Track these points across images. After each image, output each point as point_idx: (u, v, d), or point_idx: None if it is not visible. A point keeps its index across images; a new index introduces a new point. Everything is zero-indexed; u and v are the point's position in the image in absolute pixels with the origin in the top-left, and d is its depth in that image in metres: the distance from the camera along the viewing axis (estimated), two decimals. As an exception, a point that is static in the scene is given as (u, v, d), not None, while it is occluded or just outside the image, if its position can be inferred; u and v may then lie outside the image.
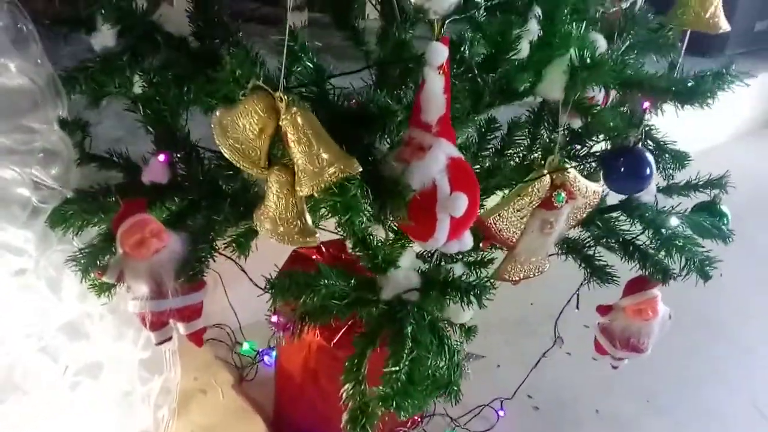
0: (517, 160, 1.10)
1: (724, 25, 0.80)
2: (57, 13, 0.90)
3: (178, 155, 0.83)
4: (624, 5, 0.90)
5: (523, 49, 0.87)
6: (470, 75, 0.87)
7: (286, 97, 0.63)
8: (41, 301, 0.78)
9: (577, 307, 1.08)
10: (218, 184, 0.85)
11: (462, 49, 0.84)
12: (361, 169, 0.62)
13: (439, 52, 0.65)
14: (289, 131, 0.63)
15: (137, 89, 0.81)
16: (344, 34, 0.98)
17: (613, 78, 0.70)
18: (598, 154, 0.87)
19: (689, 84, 0.71)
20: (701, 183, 1.01)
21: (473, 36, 0.86)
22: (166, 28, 0.92)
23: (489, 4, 0.82)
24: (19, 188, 0.70)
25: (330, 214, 0.63)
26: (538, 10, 0.80)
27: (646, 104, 0.76)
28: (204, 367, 1.23)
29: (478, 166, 1.12)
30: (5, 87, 0.68)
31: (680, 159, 1.11)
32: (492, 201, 1.07)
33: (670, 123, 2.46)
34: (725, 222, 0.97)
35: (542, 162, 0.86)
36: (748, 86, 0.84)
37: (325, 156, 0.62)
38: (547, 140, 1.01)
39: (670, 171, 1.10)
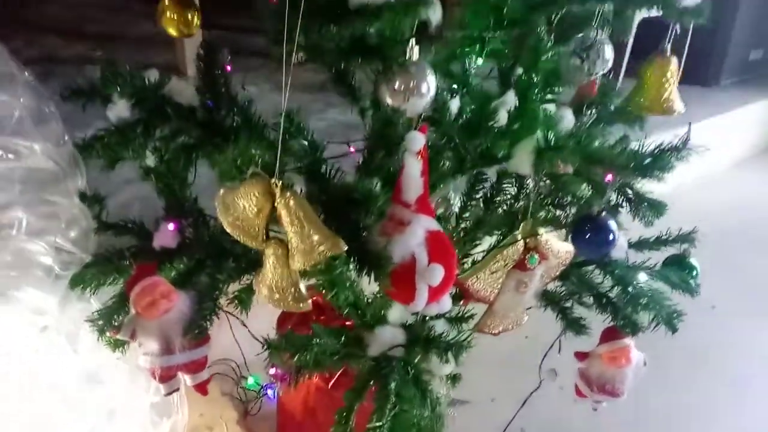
0: (504, 207, 1.18)
1: (679, 108, 0.87)
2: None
3: (186, 220, 0.91)
4: (597, 77, 0.98)
5: (502, 118, 0.95)
6: (452, 144, 0.96)
7: (280, 183, 0.71)
8: (61, 355, 0.86)
9: (559, 352, 1.15)
10: (222, 245, 0.94)
11: (444, 121, 0.92)
12: (346, 248, 0.69)
13: (417, 141, 0.73)
14: (283, 213, 0.71)
15: (150, 162, 0.90)
16: (340, 91, 1.06)
17: (576, 157, 0.78)
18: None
19: (647, 161, 0.78)
20: (671, 238, 1.08)
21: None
22: (177, 99, 1.01)
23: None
24: (43, 257, 0.78)
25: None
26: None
27: (609, 177, 0.83)
28: (210, 403, 1.31)
29: (468, 214, 1.20)
30: (31, 168, 0.77)
31: (658, 208, 1.18)
32: (482, 247, 1.15)
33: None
34: (694, 275, 1.03)
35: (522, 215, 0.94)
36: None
37: (314, 237, 0.70)
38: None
39: (649, 219, 1.18)
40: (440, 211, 1.23)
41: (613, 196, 1.14)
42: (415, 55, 0.66)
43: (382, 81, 0.66)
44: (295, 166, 0.82)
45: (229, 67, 0.99)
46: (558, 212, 0.99)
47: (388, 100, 0.67)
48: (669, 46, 0.84)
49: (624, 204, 1.18)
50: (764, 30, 2.96)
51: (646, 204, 1.17)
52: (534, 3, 0.87)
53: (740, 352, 1.76)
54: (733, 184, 2.69)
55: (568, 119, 0.86)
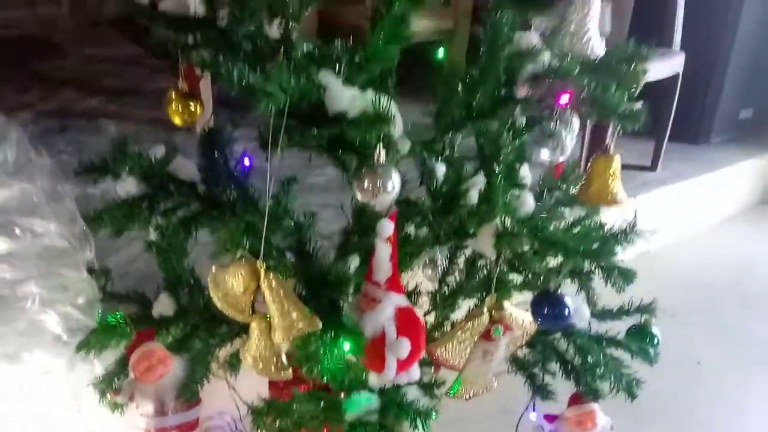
0: (484, 272, 1.26)
1: (623, 199, 0.95)
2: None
3: (183, 289, 1.00)
4: (562, 159, 1.07)
5: (473, 197, 1.05)
6: (427, 222, 1.05)
7: (264, 265, 0.80)
8: (66, 412, 0.95)
9: (533, 410, 1.21)
10: (214, 311, 1.02)
11: (419, 205, 1.02)
12: (321, 326, 0.78)
13: (386, 228, 0.82)
14: (267, 292, 0.80)
15: (153, 236, 0.99)
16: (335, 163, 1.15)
17: (531, 242, 0.86)
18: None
19: (595, 246, 0.86)
20: (632, 309, 1.16)
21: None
22: (180, 176, 1.12)
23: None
24: (53, 326, 0.87)
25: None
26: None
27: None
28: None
29: (450, 278, 1.29)
30: (46, 245, 0.87)
31: (628, 276, 1.26)
32: (461, 312, 1.23)
33: (664, 210, 2.59)
34: (655, 343, 1.11)
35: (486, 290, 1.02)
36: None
37: (294, 315, 0.78)
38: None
39: (620, 286, 1.26)
40: (428, 272, 1.32)
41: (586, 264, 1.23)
42: (382, 158, 0.75)
43: (353, 180, 0.76)
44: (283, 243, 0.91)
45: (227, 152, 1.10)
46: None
47: (359, 197, 0.76)
48: (612, 145, 0.93)
49: (595, 271, 1.26)
50: (754, 89, 3.06)
51: (616, 271, 1.26)
52: (499, 99, 0.97)
53: (726, 408, 1.80)
54: (722, 241, 2.75)
55: (528, 203, 0.95)
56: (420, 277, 1.32)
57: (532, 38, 0.85)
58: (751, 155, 2.96)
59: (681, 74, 2.49)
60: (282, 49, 0.86)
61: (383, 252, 0.82)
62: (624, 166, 2.68)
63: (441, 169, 1.18)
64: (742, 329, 2.16)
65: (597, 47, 0.76)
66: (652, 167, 2.67)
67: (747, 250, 2.69)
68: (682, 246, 2.64)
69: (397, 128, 0.72)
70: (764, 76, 3.09)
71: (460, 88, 0.98)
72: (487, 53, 0.88)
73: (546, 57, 0.78)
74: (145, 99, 2.93)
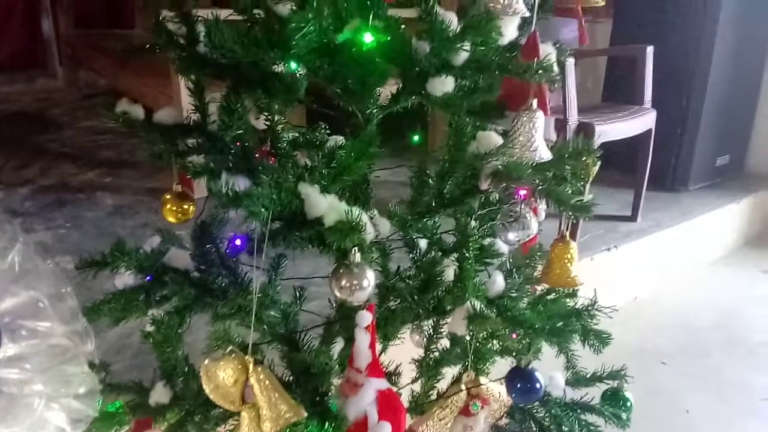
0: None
1: (580, 282, 1.03)
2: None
3: (178, 377, 1.06)
4: (528, 238, 1.15)
5: (449, 274, 1.13)
6: (407, 303, 1.12)
7: (252, 359, 0.87)
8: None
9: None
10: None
11: (398, 288, 1.09)
12: (306, 415, 0.84)
13: (365, 318, 0.89)
14: (255, 385, 0.86)
15: (149, 328, 1.06)
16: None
17: (500, 323, 0.93)
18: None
19: (558, 324, 0.93)
20: (605, 375, 1.22)
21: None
22: (174, 265, 1.19)
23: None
24: (57, 419, 0.93)
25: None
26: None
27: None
28: None
29: (434, 347, 1.35)
30: (50, 345, 0.93)
31: (603, 339, 1.33)
32: (446, 380, 1.29)
33: (648, 258, 2.65)
34: (628, 406, 1.17)
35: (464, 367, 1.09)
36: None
37: (281, 405, 0.85)
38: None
39: (597, 348, 1.32)
40: (415, 338, 1.38)
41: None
42: (357, 258, 0.83)
43: (331, 279, 0.83)
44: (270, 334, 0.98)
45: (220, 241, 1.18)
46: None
47: (337, 294, 0.84)
48: (568, 233, 1.01)
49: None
50: (728, 137, 3.18)
51: (592, 334, 1.33)
52: (466, 188, 1.06)
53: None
54: (707, 285, 2.82)
55: (498, 284, 1.02)
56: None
57: (493, 137, 0.94)
58: (730, 200, 3.06)
59: (653, 130, 2.60)
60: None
61: (363, 341, 0.89)
62: (605, 217, 2.78)
63: (422, 242, 1.26)
64: (728, 375, 2.21)
65: (544, 153, 0.85)
66: (633, 217, 2.76)
67: (730, 293, 2.76)
68: (668, 292, 2.71)
69: (370, 234, 0.80)
70: (738, 124, 3.22)
71: (432, 179, 1.07)
72: (453, 147, 0.97)
73: (503, 159, 0.87)
74: (140, 170, 3.03)
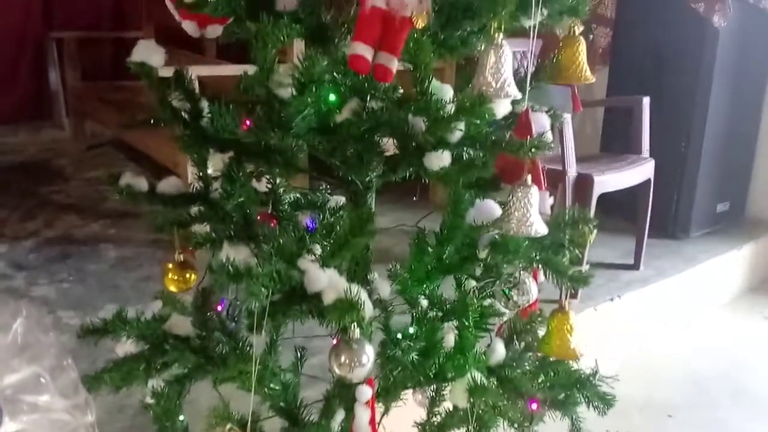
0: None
1: (581, 353, 1.03)
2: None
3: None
4: (528, 303, 1.16)
5: (449, 341, 1.13)
6: (408, 371, 1.12)
7: (251, 436, 0.87)
8: None
9: None
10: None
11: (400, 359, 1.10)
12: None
13: (365, 393, 0.89)
14: (254, 461, 0.86)
15: (148, 400, 1.06)
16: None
17: (500, 395, 0.93)
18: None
19: (561, 395, 0.93)
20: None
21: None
22: (175, 332, 1.19)
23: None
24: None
25: None
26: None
27: (534, 405, 0.98)
28: None
29: (436, 409, 1.34)
30: (52, 420, 0.93)
31: (607, 402, 1.32)
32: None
33: (651, 308, 2.64)
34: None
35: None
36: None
37: (280, 483, 0.84)
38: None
39: (601, 410, 1.31)
40: (418, 398, 1.37)
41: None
42: (357, 335, 0.84)
43: (331, 355, 0.84)
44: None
45: (220, 307, 1.19)
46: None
47: (336, 371, 0.84)
48: (567, 302, 1.02)
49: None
50: (728, 183, 3.19)
51: (596, 398, 1.32)
52: (465, 255, 1.07)
53: None
54: (711, 333, 2.80)
55: (499, 351, 1.03)
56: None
57: (490, 208, 0.95)
58: (732, 246, 3.06)
59: (652, 179, 2.62)
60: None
61: (362, 417, 0.89)
62: (607, 265, 2.78)
63: (424, 301, 1.26)
64: (736, 427, 2.18)
65: (540, 229, 0.86)
66: (635, 266, 2.76)
67: (736, 341, 2.74)
68: (672, 341, 2.69)
69: (369, 311, 0.81)
70: (737, 170, 3.24)
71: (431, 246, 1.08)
72: (451, 216, 0.99)
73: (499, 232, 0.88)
74: (143, 222, 3.05)
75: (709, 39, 2.82)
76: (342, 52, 0.90)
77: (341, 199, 1.30)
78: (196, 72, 2.58)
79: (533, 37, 0.81)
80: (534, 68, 1.09)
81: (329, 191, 1.36)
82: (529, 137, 0.81)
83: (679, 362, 2.57)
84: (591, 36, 3.26)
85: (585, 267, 0.91)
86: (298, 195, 1.35)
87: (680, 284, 2.77)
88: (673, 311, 2.77)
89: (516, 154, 0.81)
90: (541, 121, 1.08)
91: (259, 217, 1.29)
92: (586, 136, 3.41)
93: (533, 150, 0.79)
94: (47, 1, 4.17)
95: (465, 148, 0.84)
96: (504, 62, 0.80)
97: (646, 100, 2.62)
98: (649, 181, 2.62)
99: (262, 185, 1.27)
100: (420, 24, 0.80)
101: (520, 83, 1.02)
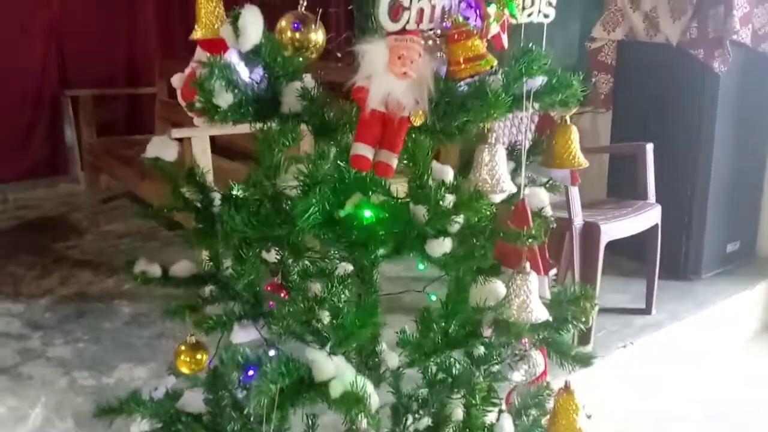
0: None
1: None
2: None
3: None
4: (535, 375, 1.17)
5: (458, 415, 1.14)
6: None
7: None
8: None
9: None
10: None
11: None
12: None
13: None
14: None
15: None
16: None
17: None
18: None
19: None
20: None
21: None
22: (187, 410, 1.22)
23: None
24: None
25: None
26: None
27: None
28: None
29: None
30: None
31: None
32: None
33: (665, 352, 2.62)
34: None
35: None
36: None
37: None
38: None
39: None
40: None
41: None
42: (364, 425, 0.86)
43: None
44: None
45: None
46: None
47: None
48: (570, 383, 1.03)
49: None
50: (737, 223, 3.20)
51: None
52: (470, 330, 1.09)
53: None
54: (726, 379, 2.78)
55: (507, 429, 1.04)
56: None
57: (493, 289, 0.98)
58: (744, 287, 3.05)
59: (659, 224, 2.64)
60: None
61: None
62: (620, 310, 2.78)
63: (433, 366, 1.28)
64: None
65: (540, 314, 0.88)
66: (647, 310, 2.75)
67: (752, 384, 2.71)
68: (688, 386, 2.66)
69: (376, 403, 0.83)
70: (745, 209, 3.25)
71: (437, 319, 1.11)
72: (454, 299, 1.01)
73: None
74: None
75: (710, 83, 2.86)
76: (346, 140, 0.94)
77: (349, 268, 1.33)
78: (207, 132, 2.66)
79: (527, 127, 0.85)
80: (530, 143, 1.13)
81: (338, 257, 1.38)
82: (526, 227, 0.84)
83: (697, 408, 2.54)
84: (593, 82, 3.32)
85: (588, 349, 0.92)
86: (307, 263, 1.38)
87: (694, 327, 2.76)
88: (687, 356, 2.76)
89: (513, 244, 0.84)
90: (539, 196, 1.11)
91: (269, 288, 1.32)
92: (593, 178, 3.43)
93: (530, 240, 0.82)
94: (63, 60, 4.30)
95: (464, 237, 0.87)
96: (498, 160, 0.84)
97: (650, 147, 2.65)
98: (656, 226, 2.63)
99: (272, 256, 1.30)
100: (417, 122, 0.84)
101: (517, 158, 1.06)
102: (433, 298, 1.20)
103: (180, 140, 1.48)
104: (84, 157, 4.17)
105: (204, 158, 2.63)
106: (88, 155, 4.08)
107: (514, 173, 1.10)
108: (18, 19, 4.05)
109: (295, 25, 1.02)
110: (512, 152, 1.11)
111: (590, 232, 2.39)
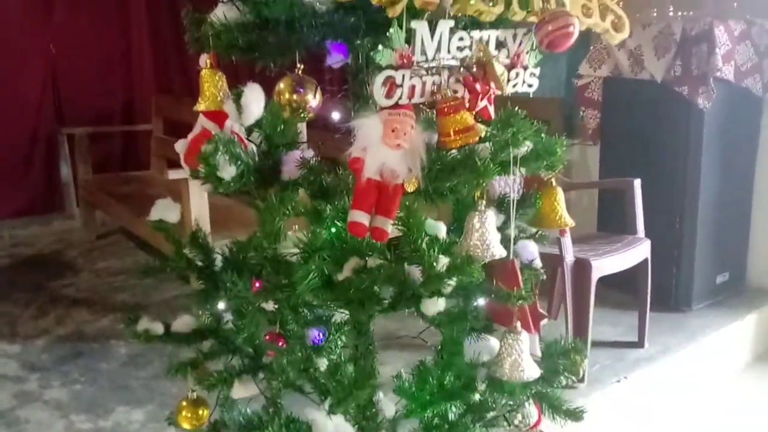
0: None
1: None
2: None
3: None
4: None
5: None
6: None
7: None
8: None
9: None
10: None
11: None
12: None
13: None
14: None
15: None
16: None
17: None
18: None
19: None
20: None
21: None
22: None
23: None
24: None
25: None
26: None
27: None
28: None
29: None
30: None
31: None
32: None
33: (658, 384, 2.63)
34: None
35: None
36: None
37: None
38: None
39: None
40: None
41: None
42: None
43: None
44: None
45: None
46: None
47: None
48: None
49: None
50: (726, 254, 3.24)
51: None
52: (465, 383, 1.13)
53: None
54: (720, 410, 2.79)
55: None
56: None
57: (492, 344, 1.01)
58: (734, 318, 3.08)
59: (649, 258, 2.68)
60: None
61: None
62: (612, 344, 2.79)
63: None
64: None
65: (532, 372, 0.92)
66: (640, 343, 2.78)
67: (746, 416, 2.73)
68: (682, 419, 2.68)
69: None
70: (733, 240, 3.30)
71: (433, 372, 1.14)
72: (448, 354, 1.05)
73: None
74: (152, 313, 3.10)
75: (695, 118, 2.92)
76: (343, 203, 0.98)
77: (346, 315, 1.37)
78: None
79: (514, 192, 0.89)
80: (519, 197, 1.17)
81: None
82: (516, 287, 0.87)
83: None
84: (581, 116, 3.39)
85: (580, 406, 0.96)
86: (305, 311, 1.41)
87: (686, 360, 2.79)
88: (681, 388, 2.78)
89: (504, 304, 0.88)
90: (529, 248, 1.15)
91: (267, 337, 1.35)
92: (583, 211, 3.49)
93: (520, 300, 0.86)
94: (59, 98, 4.35)
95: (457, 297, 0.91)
96: (488, 226, 0.88)
97: (637, 183, 2.71)
98: (646, 260, 2.68)
99: (270, 305, 1.34)
100: (411, 188, 0.88)
101: (506, 211, 1.10)
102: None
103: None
104: (80, 194, 4.21)
105: (200, 197, 2.67)
106: (84, 192, 4.12)
107: (504, 225, 1.14)
108: (15, 57, 4.11)
109: (299, 89, 1.07)
110: (501, 205, 1.15)
111: (582, 268, 2.43)
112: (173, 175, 2.59)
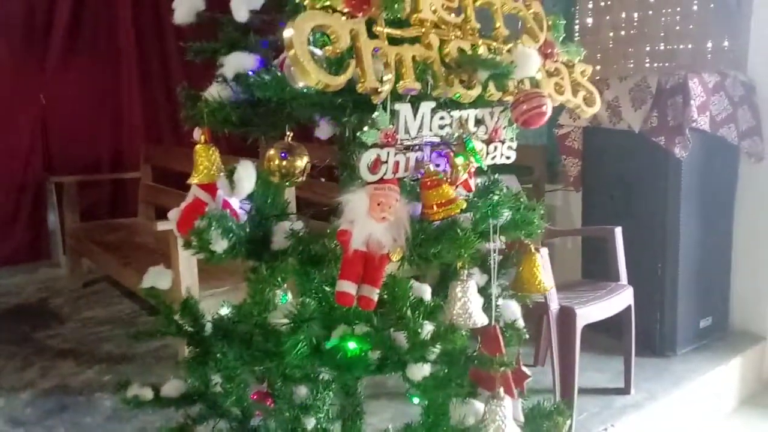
0: None
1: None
2: None
3: None
4: None
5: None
6: None
7: None
8: None
9: None
10: None
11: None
12: None
13: None
14: None
15: None
16: None
17: None
18: None
19: None
20: None
21: None
22: None
23: None
24: None
25: None
26: None
27: None
28: None
29: None
30: None
31: None
32: None
33: (640, 429, 2.64)
34: None
35: None
36: None
37: None
38: None
39: None
40: None
41: None
42: None
43: None
44: None
45: None
46: None
47: None
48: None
49: None
50: (708, 299, 3.29)
51: None
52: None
53: None
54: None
55: None
56: None
57: (476, 406, 1.04)
58: (719, 363, 3.11)
59: (632, 305, 2.72)
60: None
61: None
62: (599, 390, 2.80)
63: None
64: None
65: (515, 436, 0.95)
66: (626, 389, 2.80)
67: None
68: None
69: None
70: (715, 285, 3.35)
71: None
72: (432, 421, 1.07)
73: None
74: (138, 364, 3.09)
75: (673, 166, 3.00)
76: (332, 270, 1.01)
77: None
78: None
79: (494, 261, 0.93)
80: (501, 257, 1.21)
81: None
82: (498, 353, 0.91)
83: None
84: (562, 164, 3.47)
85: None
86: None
87: (672, 406, 2.80)
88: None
89: (487, 370, 0.91)
90: (511, 308, 1.18)
91: (254, 397, 1.36)
92: (567, 258, 3.54)
93: (502, 366, 0.89)
94: (48, 146, 4.38)
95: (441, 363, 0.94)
96: (470, 296, 0.91)
97: (618, 231, 2.77)
98: (630, 306, 2.72)
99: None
100: (396, 258, 0.92)
101: (488, 271, 1.14)
102: (415, 401, 1.25)
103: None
104: (66, 242, 4.20)
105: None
106: (71, 240, 4.11)
107: (487, 285, 1.18)
108: (5, 106, 4.15)
109: (283, 154, 1.11)
110: (483, 264, 1.19)
111: (567, 316, 2.46)
112: (162, 226, 2.62)
